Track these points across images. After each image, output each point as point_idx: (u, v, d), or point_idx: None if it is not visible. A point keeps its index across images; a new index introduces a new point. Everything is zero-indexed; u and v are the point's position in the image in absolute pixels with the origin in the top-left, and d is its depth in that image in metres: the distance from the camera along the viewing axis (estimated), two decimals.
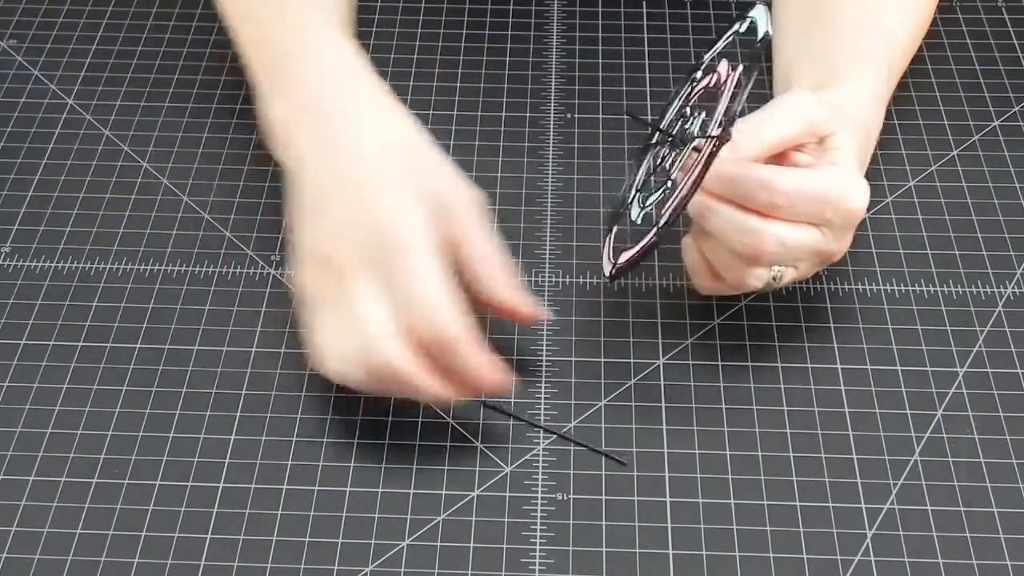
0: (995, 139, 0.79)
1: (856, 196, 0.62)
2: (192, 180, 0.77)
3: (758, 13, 0.63)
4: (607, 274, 0.65)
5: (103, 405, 0.66)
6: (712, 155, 0.60)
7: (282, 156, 0.67)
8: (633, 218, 0.65)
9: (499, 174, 0.77)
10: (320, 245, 0.62)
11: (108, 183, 0.77)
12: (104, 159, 0.78)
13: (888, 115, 0.80)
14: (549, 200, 0.76)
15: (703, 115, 0.64)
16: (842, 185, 0.62)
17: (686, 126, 0.65)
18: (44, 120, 0.81)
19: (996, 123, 0.81)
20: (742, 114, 0.63)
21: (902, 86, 0.82)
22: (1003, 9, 0.89)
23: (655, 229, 0.61)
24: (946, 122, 0.80)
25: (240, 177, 0.77)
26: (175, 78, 0.84)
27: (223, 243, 0.73)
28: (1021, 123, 0.81)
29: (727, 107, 0.62)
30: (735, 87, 0.62)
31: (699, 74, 0.67)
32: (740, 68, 0.63)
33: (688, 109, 0.66)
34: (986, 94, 0.82)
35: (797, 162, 0.64)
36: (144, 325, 0.69)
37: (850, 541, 0.60)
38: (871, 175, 0.77)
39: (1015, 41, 0.86)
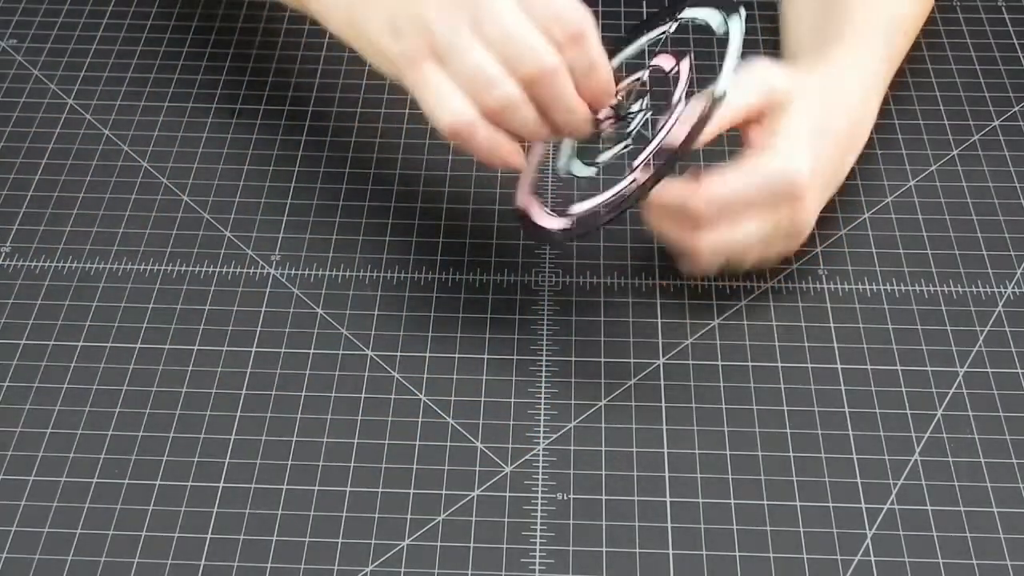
0: (995, 139, 0.79)
1: (789, 170, 0.65)
2: (192, 180, 0.77)
3: (686, 13, 0.69)
4: (565, 227, 0.65)
5: (103, 405, 0.66)
6: (704, 119, 0.62)
7: None
8: (577, 173, 0.68)
9: (499, 174, 0.77)
10: (415, 9, 0.63)
11: (108, 183, 0.77)
12: (104, 159, 0.78)
13: (888, 115, 0.80)
14: (549, 200, 0.76)
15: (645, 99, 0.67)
16: (775, 166, 0.65)
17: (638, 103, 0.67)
18: (44, 120, 0.81)
19: (996, 123, 0.81)
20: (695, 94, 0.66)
21: (902, 86, 0.82)
22: (1003, 9, 0.89)
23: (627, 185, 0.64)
24: (946, 122, 0.80)
25: (240, 177, 0.77)
26: (175, 78, 0.84)
27: (223, 243, 0.73)
28: (1021, 123, 0.81)
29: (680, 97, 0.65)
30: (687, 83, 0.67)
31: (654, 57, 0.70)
32: (686, 59, 0.67)
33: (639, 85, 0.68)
34: (986, 94, 0.82)
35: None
36: (144, 325, 0.69)
37: (850, 541, 0.60)
38: (871, 175, 0.77)
39: (1015, 41, 0.86)
